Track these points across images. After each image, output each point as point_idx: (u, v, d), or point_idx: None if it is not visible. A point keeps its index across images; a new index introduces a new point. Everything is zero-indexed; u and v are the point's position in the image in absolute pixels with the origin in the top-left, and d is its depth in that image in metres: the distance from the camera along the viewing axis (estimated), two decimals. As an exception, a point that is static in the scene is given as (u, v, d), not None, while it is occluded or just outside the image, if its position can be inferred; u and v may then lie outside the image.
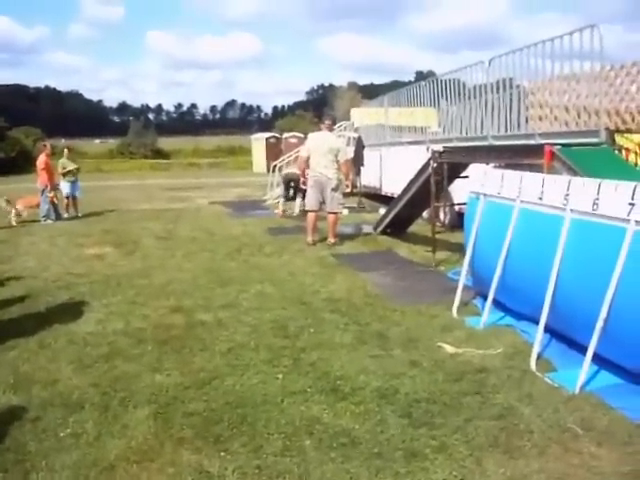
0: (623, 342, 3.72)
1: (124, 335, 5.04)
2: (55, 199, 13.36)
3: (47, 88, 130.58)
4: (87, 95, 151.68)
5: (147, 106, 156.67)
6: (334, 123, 10.63)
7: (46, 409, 3.63)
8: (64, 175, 13.77)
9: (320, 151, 9.22)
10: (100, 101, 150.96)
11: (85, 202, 14.80)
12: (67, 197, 13.98)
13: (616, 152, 5.86)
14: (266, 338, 4.89)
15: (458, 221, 8.65)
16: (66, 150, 14.90)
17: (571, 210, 4.18)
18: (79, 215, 13.95)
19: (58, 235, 10.93)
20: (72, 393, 3.87)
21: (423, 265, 7.72)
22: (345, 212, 13.36)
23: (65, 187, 13.85)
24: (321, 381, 3.96)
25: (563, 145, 5.68)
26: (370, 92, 53.94)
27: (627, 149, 5.94)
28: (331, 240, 9.25)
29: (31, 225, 12.61)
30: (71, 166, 14.08)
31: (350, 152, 15.88)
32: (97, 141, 70.33)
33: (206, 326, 5.25)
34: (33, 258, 8.70)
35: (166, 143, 54.36)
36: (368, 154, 15.00)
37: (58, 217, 13.36)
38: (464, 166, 7.79)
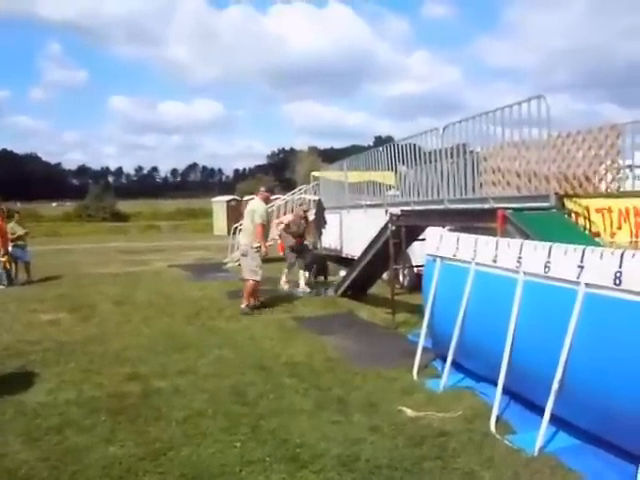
0: (578, 403, 3.76)
1: (76, 405, 4.86)
2: (8, 264, 13.06)
3: (4, 151, 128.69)
4: (45, 158, 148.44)
5: (107, 169, 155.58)
6: (271, 191, 10.63)
7: (-10, 486, 3.45)
8: (13, 241, 13.49)
9: (245, 217, 9.44)
10: (59, 164, 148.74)
11: (40, 266, 14.49)
12: (15, 262, 13.64)
13: (565, 216, 6.09)
14: (224, 405, 4.78)
15: (417, 283, 8.74)
16: (16, 214, 14.67)
17: (524, 272, 4.29)
18: (33, 280, 13.61)
19: (10, 301, 10.62)
20: (19, 468, 3.69)
21: (383, 327, 7.74)
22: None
23: (15, 252, 13.54)
24: (280, 449, 3.87)
25: (515, 209, 5.89)
26: (330, 156, 55.10)
27: (576, 213, 6.19)
28: (242, 305, 9.02)
29: (-18, 290, 12.23)
30: (21, 231, 13.85)
31: (310, 215, 16.06)
32: (54, 204, 69.48)
33: (162, 394, 5.11)
34: (-17, 325, 8.39)
35: (125, 206, 54.09)
36: (328, 216, 15.17)
37: (10, 282, 13.03)
38: (421, 229, 7.93)
